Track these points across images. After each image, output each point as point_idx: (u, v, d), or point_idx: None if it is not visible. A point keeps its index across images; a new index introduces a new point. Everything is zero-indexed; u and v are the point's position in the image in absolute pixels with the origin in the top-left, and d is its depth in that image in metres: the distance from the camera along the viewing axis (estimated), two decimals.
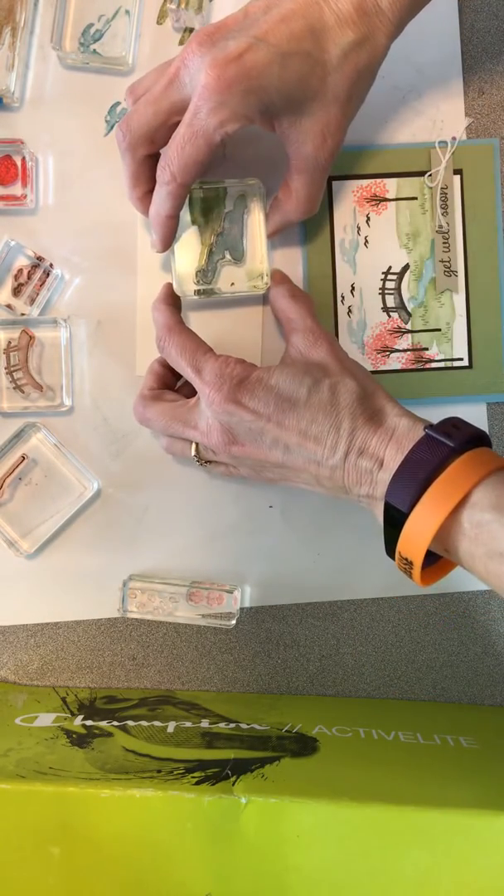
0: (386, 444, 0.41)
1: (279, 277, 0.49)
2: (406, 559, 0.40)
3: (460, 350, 0.52)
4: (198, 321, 0.51)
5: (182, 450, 0.48)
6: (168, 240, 0.47)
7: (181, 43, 0.51)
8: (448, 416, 0.41)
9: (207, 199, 0.49)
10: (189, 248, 0.49)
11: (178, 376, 0.49)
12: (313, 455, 0.42)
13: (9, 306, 0.51)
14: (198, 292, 0.49)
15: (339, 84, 0.42)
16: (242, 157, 0.50)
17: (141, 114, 0.44)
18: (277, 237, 0.50)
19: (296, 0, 0.41)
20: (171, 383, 0.49)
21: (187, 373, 0.45)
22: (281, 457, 0.43)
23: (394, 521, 0.40)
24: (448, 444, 0.39)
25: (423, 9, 0.44)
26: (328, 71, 0.42)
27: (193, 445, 0.47)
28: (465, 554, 0.39)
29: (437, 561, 0.42)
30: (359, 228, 0.51)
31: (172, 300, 0.49)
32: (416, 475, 0.39)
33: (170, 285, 0.49)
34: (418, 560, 0.39)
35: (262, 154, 0.50)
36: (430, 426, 0.40)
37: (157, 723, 0.47)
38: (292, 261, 0.51)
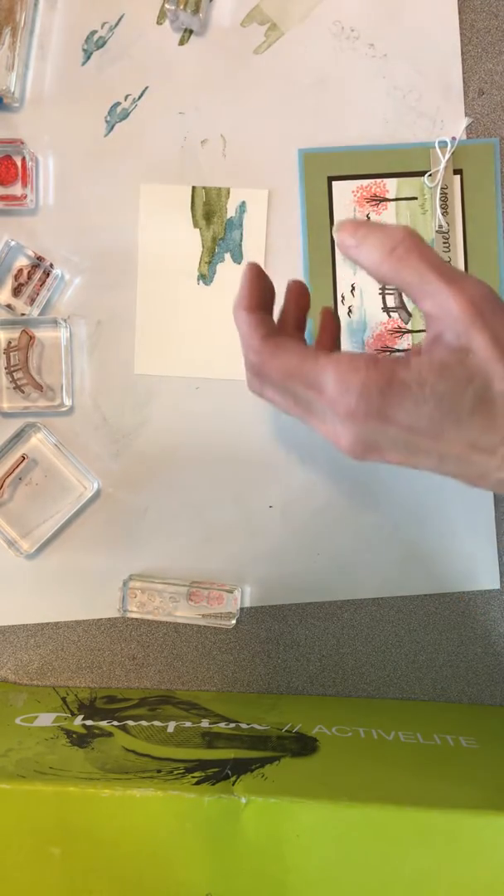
0: None
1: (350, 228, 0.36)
2: None
3: None
4: (190, 304, 0.51)
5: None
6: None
7: (181, 43, 0.51)
8: None
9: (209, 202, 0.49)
10: None
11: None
12: (480, 466, 0.35)
13: (9, 306, 0.51)
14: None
15: None
16: (245, 162, 0.50)
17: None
18: (276, 238, 0.50)
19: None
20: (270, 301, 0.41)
21: (306, 395, 0.36)
22: (434, 465, 0.36)
23: None
24: None
25: None
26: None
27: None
28: None
29: None
30: None
31: (257, 300, 0.39)
32: None
33: (255, 266, 0.39)
34: None
35: (265, 156, 0.50)
36: None
37: (157, 723, 0.47)
38: (293, 261, 0.51)
